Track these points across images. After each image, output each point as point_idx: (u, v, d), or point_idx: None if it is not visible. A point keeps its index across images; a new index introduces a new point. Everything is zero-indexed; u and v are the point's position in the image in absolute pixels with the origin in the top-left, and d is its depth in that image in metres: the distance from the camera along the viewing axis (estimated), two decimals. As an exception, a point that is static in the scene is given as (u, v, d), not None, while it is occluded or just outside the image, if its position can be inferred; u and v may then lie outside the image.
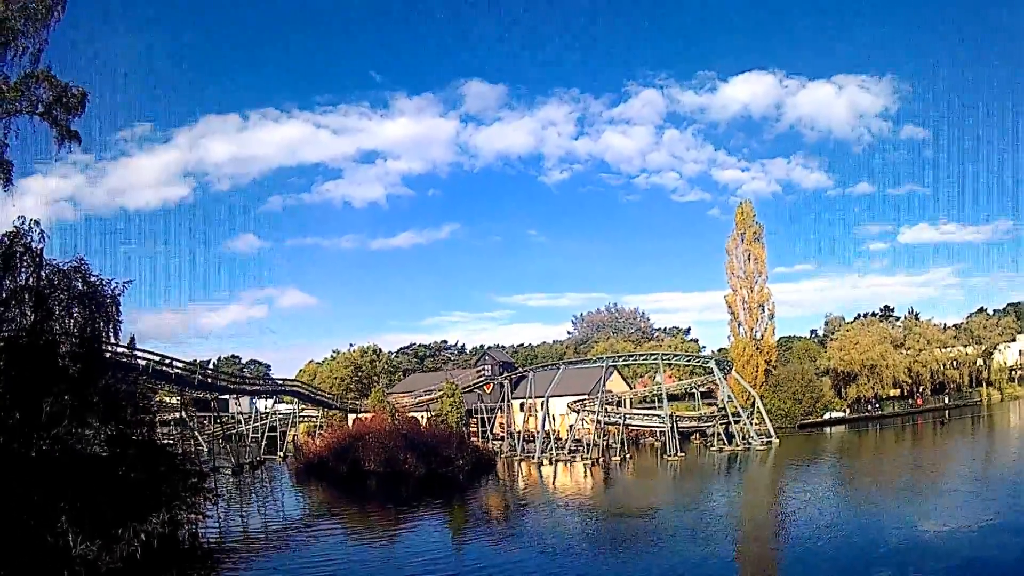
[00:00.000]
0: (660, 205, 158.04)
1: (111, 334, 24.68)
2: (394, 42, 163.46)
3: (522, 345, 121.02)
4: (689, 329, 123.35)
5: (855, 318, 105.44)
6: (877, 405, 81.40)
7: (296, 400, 67.50)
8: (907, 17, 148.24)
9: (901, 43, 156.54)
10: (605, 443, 53.51)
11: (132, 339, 30.28)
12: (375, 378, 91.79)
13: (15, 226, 22.36)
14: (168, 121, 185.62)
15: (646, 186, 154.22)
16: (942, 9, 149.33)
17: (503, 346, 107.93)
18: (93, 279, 23.57)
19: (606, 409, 56.83)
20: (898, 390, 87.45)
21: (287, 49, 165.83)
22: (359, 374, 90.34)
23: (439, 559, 24.08)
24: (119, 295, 23.98)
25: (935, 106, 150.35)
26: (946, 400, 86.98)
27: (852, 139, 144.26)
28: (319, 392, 71.72)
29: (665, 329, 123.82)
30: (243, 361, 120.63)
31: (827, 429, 70.07)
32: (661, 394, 57.74)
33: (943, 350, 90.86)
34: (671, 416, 53.73)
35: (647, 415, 59.11)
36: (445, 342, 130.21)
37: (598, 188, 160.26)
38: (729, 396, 57.16)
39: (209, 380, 51.26)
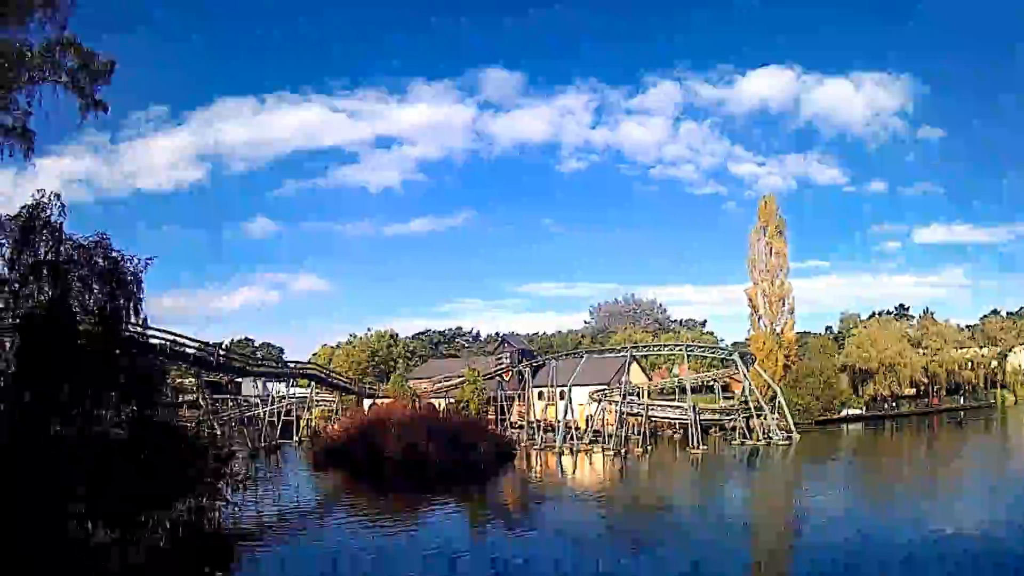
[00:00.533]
0: (675, 197, 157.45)
1: (132, 312, 23.91)
2: (413, 27, 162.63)
3: (537, 334, 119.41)
4: (705, 322, 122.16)
5: (870, 316, 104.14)
6: (894, 404, 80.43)
7: (312, 384, 66.90)
8: (927, 14, 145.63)
9: (919, 41, 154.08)
10: (625, 434, 52.72)
11: (145, 319, 29.58)
12: (392, 363, 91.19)
13: (35, 199, 21.57)
14: (184, 103, 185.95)
15: (662, 178, 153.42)
16: (962, 6, 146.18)
17: (518, 334, 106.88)
18: (115, 255, 22.74)
19: (628, 400, 55.97)
20: (914, 389, 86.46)
21: (304, 33, 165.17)
22: (376, 359, 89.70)
23: (463, 550, 23.43)
24: (141, 272, 23.16)
25: (952, 106, 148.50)
26: (961, 401, 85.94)
27: (868, 136, 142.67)
28: (337, 376, 71.27)
29: (681, 321, 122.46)
30: (256, 344, 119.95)
31: (844, 426, 69.39)
32: (684, 386, 56.93)
33: (959, 351, 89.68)
34: (695, 408, 52.88)
35: (670, 406, 58.18)
36: (460, 328, 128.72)
37: (614, 178, 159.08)
38: (751, 390, 56.23)
39: (225, 362, 50.73)
